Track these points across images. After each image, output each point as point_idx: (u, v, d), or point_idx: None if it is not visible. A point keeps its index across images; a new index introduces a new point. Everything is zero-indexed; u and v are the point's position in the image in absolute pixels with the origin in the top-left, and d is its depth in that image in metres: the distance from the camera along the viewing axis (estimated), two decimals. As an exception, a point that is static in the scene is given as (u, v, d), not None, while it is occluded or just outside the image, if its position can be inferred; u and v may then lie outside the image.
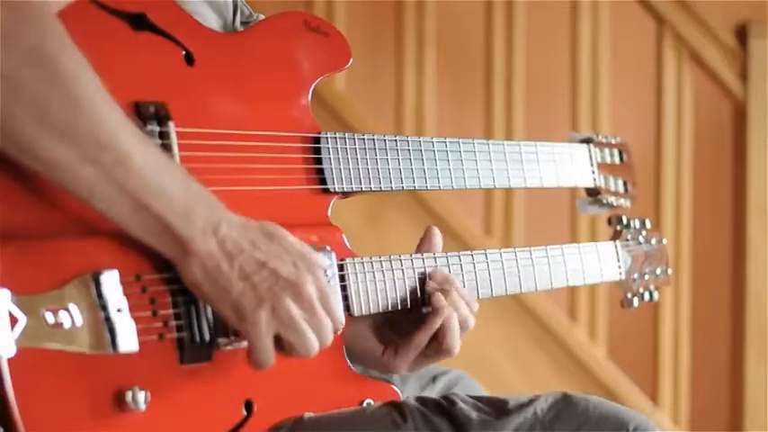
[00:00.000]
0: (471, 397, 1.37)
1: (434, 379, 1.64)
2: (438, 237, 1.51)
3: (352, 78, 3.27)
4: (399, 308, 1.43)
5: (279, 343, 1.23)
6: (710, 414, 3.57)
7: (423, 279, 1.45)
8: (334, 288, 1.34)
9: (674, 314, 3.38)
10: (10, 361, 1.08)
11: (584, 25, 3.35)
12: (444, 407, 1.34)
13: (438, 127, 3.28)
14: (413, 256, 1.45)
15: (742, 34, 3.41)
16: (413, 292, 1.44)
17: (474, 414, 1.33)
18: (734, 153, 3.47)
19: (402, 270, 1.43)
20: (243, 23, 1.51)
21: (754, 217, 3.39)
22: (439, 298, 1.43)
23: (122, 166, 1.15)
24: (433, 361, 1.48)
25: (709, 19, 3.38)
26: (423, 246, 1.50)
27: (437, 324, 1.43)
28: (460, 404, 1.34)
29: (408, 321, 1.46)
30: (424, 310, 1.44)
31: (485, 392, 1.62)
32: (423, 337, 1.44)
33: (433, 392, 1.60)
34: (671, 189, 3.38)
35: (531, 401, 1.35)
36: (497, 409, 1.35)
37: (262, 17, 1.50)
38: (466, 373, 1.69)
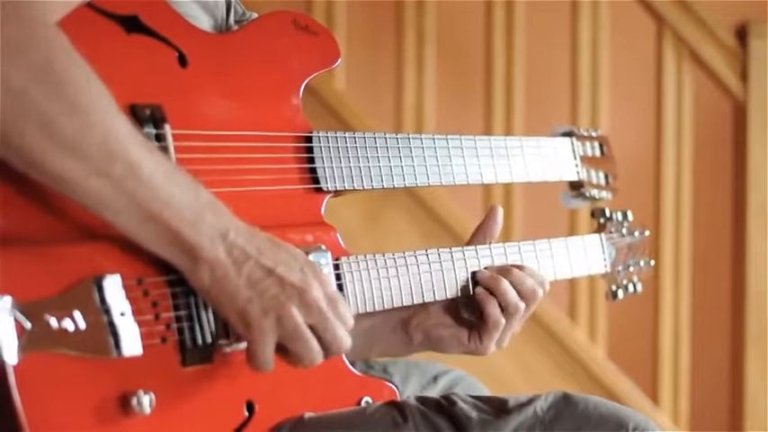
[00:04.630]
0: (471, 396, 1.37)
1: (435, 378, 1.64)
2: (500, 215, 1.60)
3: (351, 77, 3.27)
4: (395, 305, 1.43)
5: (285, 352, 1.24)
6: (710, 414, 3.56)
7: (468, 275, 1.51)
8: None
9: (673, 314, 3.38)
10: (15, 367, 1.08)
11: (584, 25, 3.35)
12: (444, 406, 1.34)
13: (437, 126, 3.27)
14: (406, 253, 1.45)
15: (742, 34, 3.40)
16: (463, 286, 1.50)
17: (474, 413, 1.33)
18: (734, 153, 3.47)
19: (396, 267, 1.43)
20: (237, 22, 1.52)
21: (754, 217, 3.39)
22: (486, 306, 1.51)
23: (132, 177, 1.15)
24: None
25: (709, 19, 3.37)
26: (485, 225, 1.59)
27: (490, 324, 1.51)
28: (460, 404, 1.34)
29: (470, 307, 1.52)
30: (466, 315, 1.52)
31: (486, 392, 1.62)
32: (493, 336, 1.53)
33: (434, 392, 1.60)
34: (671, 189, 3.38)
35: (531, 401, 1.35)
36: (497, 408, 1.35)
37: (255, 15, 1.51)
38: (467, 374, 1.69)
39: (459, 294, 1.50)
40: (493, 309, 1.50)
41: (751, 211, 3.39)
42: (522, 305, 1.51)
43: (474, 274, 1.51)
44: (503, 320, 1.51)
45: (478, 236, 1.59)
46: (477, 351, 1.55)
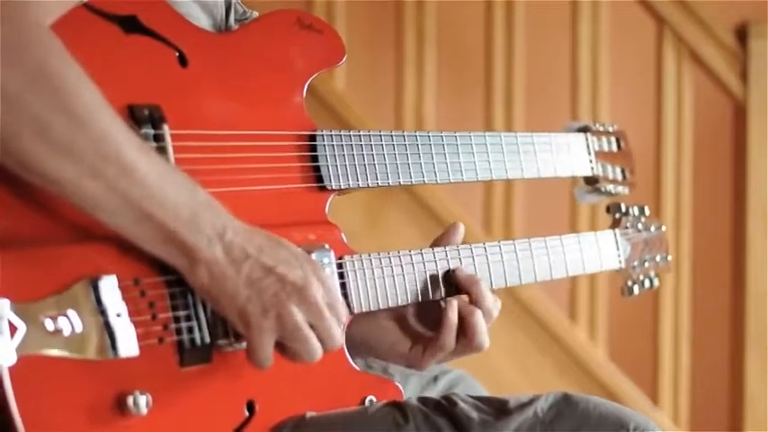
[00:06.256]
0: (472, 397, 1.37)
1: (436, 379, 1.64)
2: (461, 232, 1.52)
3: (351, 77, 3.27)
4: (399, 303, 1.43)
5: (283, 349, 1.24)
6: (710, 414, 3.56)
7: (443, 273, 1.46)
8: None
9: (673, 314, 3.37)
10: (10, 369, 1.08)
11: (584, 25, 3.35)
12: (445, 407, 1.34)
13: (438, 126, 3.27)
14: (411, 251, 1.45)
15: (742, 34, 3.40)
16: (425, 285, 1.45)
17: (474, 414, 1.33)
18: (734, 153, 3.47)
19: (401, 266, 1.43)
20: (237, 21, 1.51)
21: (754, 217, 3.39)
22: (453, 305, 1.45)
23: (126, 178, 1.15)
24: (461, 356, 1.49)
25: (709, 19, 3.37)
26: (444, 238, 1.51)
27: (454, 322, 1.44)
28: (461, 404, 1.34)
29: (436, 312, 1.47)
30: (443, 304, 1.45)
31: (486, 392, 1.62)
32: (449, 338, 1.45)
33: (435, 392, 1.60)
34: (671, 189, 3.38)
35: (531, 401, 1.35)
36: (498, 409, 1.35)
37: (256, 14, 1.50)
38: (467, 373, 1.69)
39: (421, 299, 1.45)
40: (449, 336, 1.45)
41: (751, 211, 3.39)
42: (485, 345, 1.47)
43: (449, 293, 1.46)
44: (453, 345, 1.46)
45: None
46: (414, 365, 1.50)
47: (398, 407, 1.34)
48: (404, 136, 1.49)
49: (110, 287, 1.16)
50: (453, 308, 1.45)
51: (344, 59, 1.46)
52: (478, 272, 1.50)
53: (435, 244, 1.51)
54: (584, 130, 1.76)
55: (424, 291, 1.45)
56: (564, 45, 3.37)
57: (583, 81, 3.35)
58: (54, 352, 1.11)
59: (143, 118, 1.24)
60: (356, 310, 1.38)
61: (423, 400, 1.36)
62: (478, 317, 1.45)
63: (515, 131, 3.20)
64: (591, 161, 1.74)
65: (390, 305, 1.42)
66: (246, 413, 1.28)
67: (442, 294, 1.46)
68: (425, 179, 1.51)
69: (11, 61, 1.11)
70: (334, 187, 1.41)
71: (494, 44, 3.31)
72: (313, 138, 1.40)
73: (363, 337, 1.44)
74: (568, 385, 3.17)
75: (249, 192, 1.33)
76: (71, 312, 1.13)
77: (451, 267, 1.47)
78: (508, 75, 3.31)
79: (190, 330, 1.22)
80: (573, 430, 1.33)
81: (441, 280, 1.46)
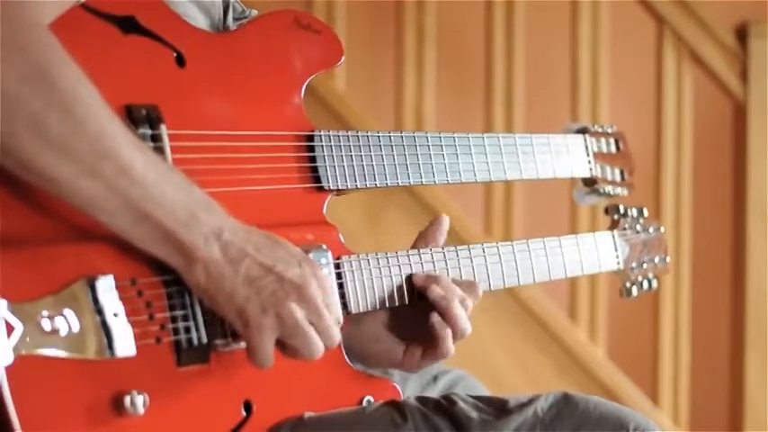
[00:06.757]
0: (472, 397, 1.37)
1: (435, 378, 1.64)
2: (446, 225, 1.51)
3: (351, 77, 3.27)
4: (397, 304, 1.43)
5: (283, 347, 1.24)
6: (710, 414, 3.56)
7: (405, 278, 1.45)
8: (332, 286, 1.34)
9: (673, 314, 3.37)
10: (7, 368, 1.08)
11: (584, 25, 3.35)
12: (445, 406, 1.34)
13: (438, 126, 3.27)
14: (409, 252, 1.45)
15: (742, 34, 3.40)
16: (408, 287, 1.44)
17: (474, 414, 1.33)
18: (734, 153, 3.47)
19: (399, 266, 1.43)
20: (236, 20, 1.51)
21: (754, 217, 3.39)
22: (433, 289, 1.43)
23: (124, 177, 1.15)
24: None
25: (709, 19, 3.37)
26: (428, 232, 1.51)
27: (450, 348, 1.44)
28: (461, 404, 1.34)
29: (414, 317, 1.46)
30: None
31: (486, 392, 1.62)
32: (448, 349, 1.45)
33: (435, 392, 1.60)
34: (671, 189, 3.38)
35: (531, 401, 1.35)
36: (498, 408, 1.35)
37: (255, 13, 1.50)
38: (467, 373, 1.69)
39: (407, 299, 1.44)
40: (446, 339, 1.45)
41: (751, 211, 3.39)
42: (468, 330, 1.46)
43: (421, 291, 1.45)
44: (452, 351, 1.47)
45: (419, 243, 1.51)
46: (410, 369, 1.49)
47: (397, 406, 1.34)
48: (402, 137, 1.49)
49: (107, 287, 1.16)
50: (448, 337, 1.44)
51: (343, 60, 1.46)
52: (477, 273, 1.50)
53: (420, 238, 1.50)
54: (583, 131, 1.76)
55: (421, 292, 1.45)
56: (564, 45, 3.37)
57: (583, 81, 3.35)
58: (51, 352, 1.11)
59: (140, 118, 1.24)
60: (354, 311, 1.38)
61: (422, 400, 1.36)
62: (456, 307, 1.43)
63: (515, 131, 3.21)
64: (589, 162, 1.74)
65: (388, 305, 1.42)
66: (244, 413, 1.28)
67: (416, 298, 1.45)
68: (423, 180, 1.51)
69: (9, 60, 1.11)
70: (331, 188, 1.41)
71: (494, 44, 3.31)
72: (311, 138, 1.40)
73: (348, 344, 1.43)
74: (568, 385, 3.17)
75: (247, 192, 1.33)
76: (68, 312, 1.13)
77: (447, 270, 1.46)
78: (508, 75, 3.31)
79: (187, 330, 1.22)
80: (573, 430, 1.33)
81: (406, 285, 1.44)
